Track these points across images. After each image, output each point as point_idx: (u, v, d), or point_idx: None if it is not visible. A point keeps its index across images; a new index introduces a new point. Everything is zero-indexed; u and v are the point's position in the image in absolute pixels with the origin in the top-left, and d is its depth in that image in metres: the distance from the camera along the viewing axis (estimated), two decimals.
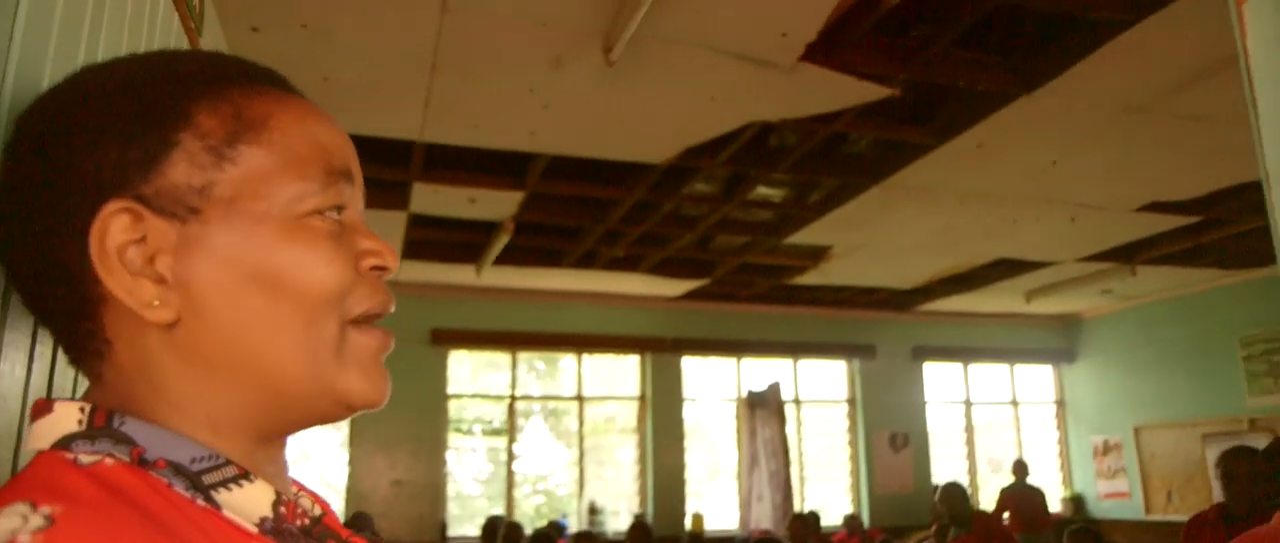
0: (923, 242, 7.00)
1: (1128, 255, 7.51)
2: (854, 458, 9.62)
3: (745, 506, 9.04)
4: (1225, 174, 5.55)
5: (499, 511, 8.25)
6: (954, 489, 5.54)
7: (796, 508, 8.69)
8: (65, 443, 0.51)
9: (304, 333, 0.55)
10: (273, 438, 0.58)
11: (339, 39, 3.69)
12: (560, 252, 7.32)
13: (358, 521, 7.48)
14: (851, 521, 8.82)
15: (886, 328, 9.81)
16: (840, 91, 4.32)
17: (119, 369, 0.55)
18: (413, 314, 8.40)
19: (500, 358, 8.98)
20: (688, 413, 9.18)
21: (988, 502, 9.17)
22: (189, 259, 0.54)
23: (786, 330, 9.47)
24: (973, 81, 4.22)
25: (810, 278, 8.17)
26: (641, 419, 9.10)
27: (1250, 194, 5.87)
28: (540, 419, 9.25)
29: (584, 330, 8.88)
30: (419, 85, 4.12)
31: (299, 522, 0.56)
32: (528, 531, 7.86)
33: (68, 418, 0.52)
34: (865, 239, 6.89)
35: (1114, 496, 9.74)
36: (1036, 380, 10.63)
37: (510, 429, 8.80)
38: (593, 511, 8.67)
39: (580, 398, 9.04)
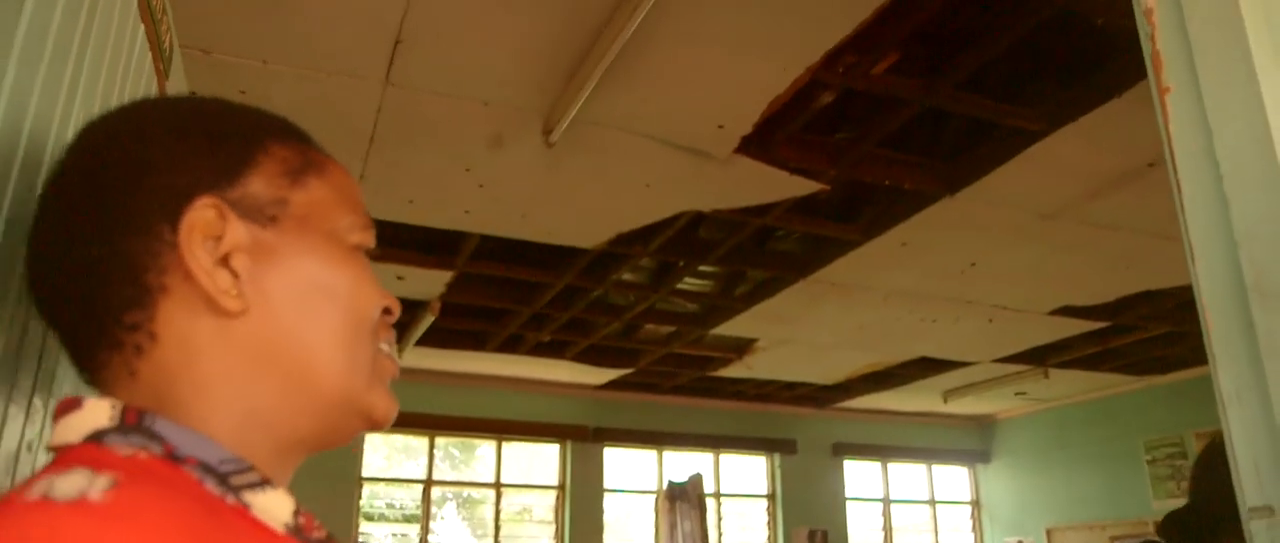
0: (845, 337, 7.12)
1: (1040, 358, 7.75)
2: None
3: None
4: (1132, 281, 5.81)
5: None
6: None
7: None
8: (97, 437, 0.52)
9: (351, 345, 0.61)
10: (292, 450, 0.62)
11: (277, 107, 3.60)
12: (484, 334, 7.23)
13: None
14: None
15: (807, 424, 9.87)
16: (772, 185, 4.42)
17: (158, 365, 0.57)
18: None
19: (416, 442, 8.72)
20: (607, 504, 9.01)
21: None
22: (263, 261, 0.59)
23: (709, 423, 9.44)
24: (898, 181, 4.37)
25: (734, 371, 8.21)
26: (559, 509, 8.89)
27: (1156, 302, 6.15)
28: (454, 507, 8.96)
29: (504, 416, 8.72)
30: (356, 156, 4.08)
31: (316, 534, 0.58)
32: None
33: (98, 414, 0.53)
34: (789, 333, 6.98)
35: None
36: (953, 480, 10.76)
37: (424, 516, 8.49)
38: None
39: (498, 485, 8.80)
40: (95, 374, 0.58)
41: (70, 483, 0.45)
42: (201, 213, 0.58)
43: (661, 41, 3.23)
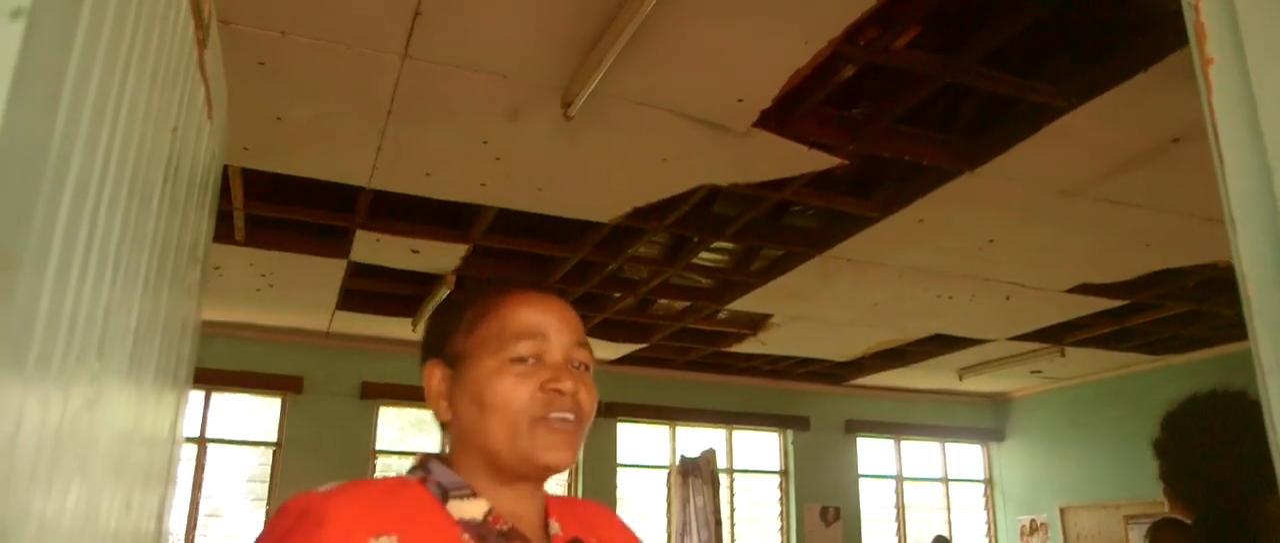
0: (860, 314, 7.10)
1: (1057, 336, 7.72)
2: (784, 530, 9.57)
3: None
4: (1152, 259, 5.77)
5: None
6: None
7: None
8: (412, 470, 1.03)
9: (505, 428, 0.99)
10: (512, 481, 1.02)
11: (295, 79, 3.64)
12: None
13: None
14: None
15: (821, 401, 9.88)
16: (790, 159, 4.39)
17: (451, 443, 1.06)
18: (344, 367, 8.20)
19: (428, 416, 8.75)
20: (620, 479, 9.06)
21: None
22: (453, 387, 1.03)
23: (722, 399, 9.47)
24: (917, 156, 4.34)
25: (748, 347, 8.21)
26: (572, 484, 8.95)
27: (1175, 280, 6.11)
28: None
29: None
30: (373, 130, 4.08)
31: (499, 526, 0.98)
32: None
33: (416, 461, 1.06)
34: (804, 309, 6.97)
35: None
36: (967, 458, 10.77)
37: None
38: None
39: None
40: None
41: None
42: (431, 368, 1.07)
43: (682, 14, 3.20)
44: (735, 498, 9.53)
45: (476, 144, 4.24)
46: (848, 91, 3.98)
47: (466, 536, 0.95)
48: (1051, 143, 4.16)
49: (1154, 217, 4.98)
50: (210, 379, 7.87)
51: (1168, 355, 8.46)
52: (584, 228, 5.45)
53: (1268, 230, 0.79)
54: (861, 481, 10.01)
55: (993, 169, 4.45)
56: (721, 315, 7.46)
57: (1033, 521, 10.02)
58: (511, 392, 0.99)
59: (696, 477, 8.97)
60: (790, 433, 9.76)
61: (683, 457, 9.10)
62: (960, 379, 9.37)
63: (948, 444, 10.62)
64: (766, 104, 3.86)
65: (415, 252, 5.79)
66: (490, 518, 0.98)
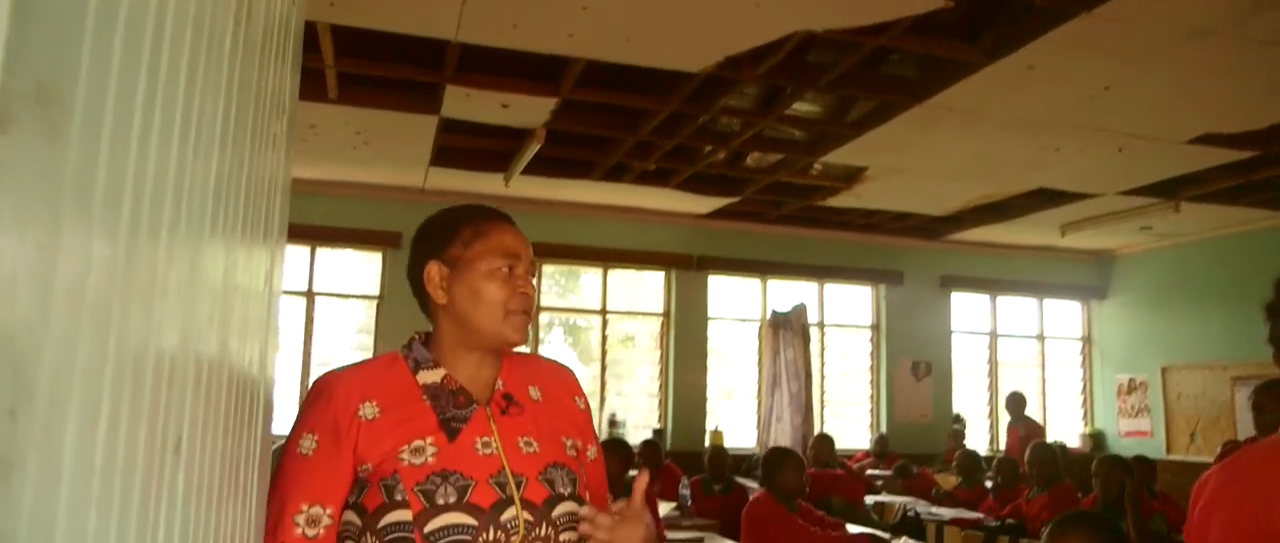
0: (960, 167, 6.84)
1: (1172, 191, 7.32)
2: (875, 384, 9.62)
3: (764, 426, 9.08)
4: None
5: None
6: (1044, 450, 5.46)
7: (815, 431, 8.73)
8: (404, 347, 1.45)
9: (490, 313, 1.38)
10: (478, 350, 1.42)
11: None
12: (589, 163, 7.23)
13: None
14: (881, 441, 8.87)
15: (915, 255, 9.70)
16: (890, 0, 4.14)
17: (434, 321, 1.44)
18: None
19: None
20: (711, 332, 9.18)
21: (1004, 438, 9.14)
22: (452, 282, 1.40)
23: (814, 253, 9.38)
24: None
25: (841, 201, 8.05)
26: (664, 336, 9.12)
27: None
28: (562, 333, 9.28)
29: (610, 244, 8.84)
30: None
31: (450, 387, 1.39)
32: None
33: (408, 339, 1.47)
34: (901, 162, 6.74)
35: (1135, 434, 9.70)
36: (1064, 316, 10.51)
37: (533, 342, 8.84)
38: (612, 423, 8.75)
39: (604, 312, 9.04)
40: (427, 319, 1.47)
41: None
42: (432, 266, 1.41)
43: None
44: (826, 352, 9.58)
45: None
46: None
47: (425, 397, 1.38)
48: None
49: None
50: (314, 235, 8.16)
51: None
52: (674, 79, 5.32)
53: None
54: (954, 337, 9.91)
55: (1113, 10, 4.11)
56: (815, 169, 7.30)
57: (1131, 380, 9.82)
58: (498, 291, 1.39)
59: (787, 330, 9.01)
60: (883, 287, 9.66)
61: (774, 311, 9.14)
62: (1062, 236, 9.03)
63: (1045, 301, 10.37)
64: None
65: (505, 106, 5.76)
66: (445, 382, 1.40)
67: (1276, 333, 1.70)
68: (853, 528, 4.54)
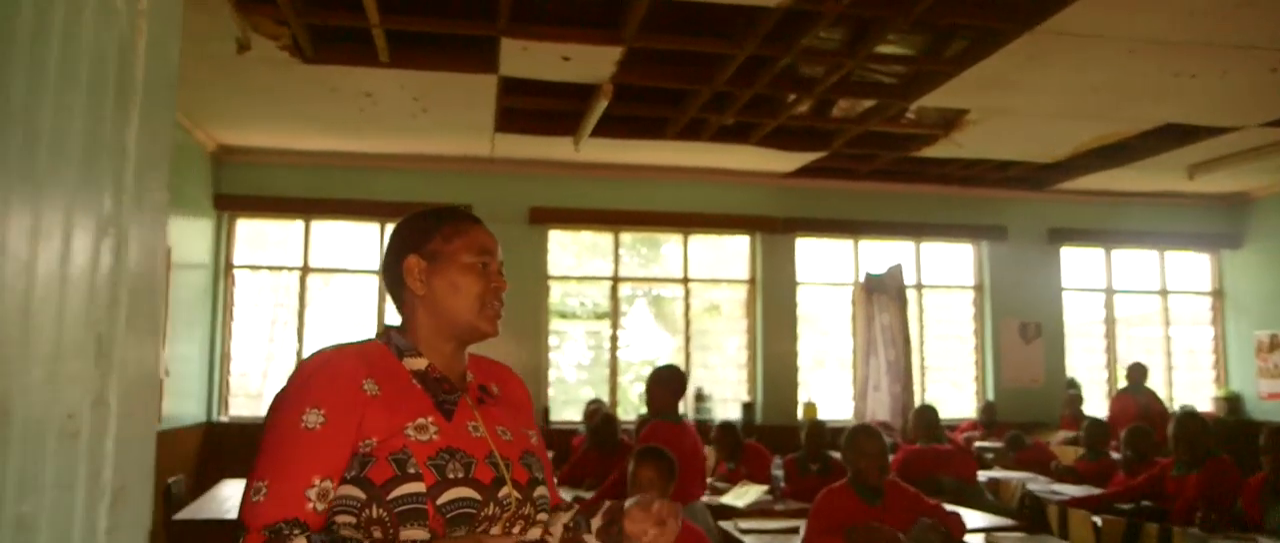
0: (1075, 103, 6.12)
1: None
2: (979, 348, 8.93)
3: (861, 396, 8.52)
4: None
5: (602, 398, 7.97)
6: (1193, 421, 4.64)
7: (916, 400, 8.13)
8: (376, 337, 1.52)
9: (468, 305, 1.49)
10: (453, 341, 1.51)
11: None
12: (663, 121, 6.75)
13: None
14: (988, 409, 8.23)
15: (1020, 207, 8.94)
16: None
17: (409, 313, 1.53)
18: (511, 192, 8.03)
19: (602, 239, 8.57)
20: (800, 297, 8.63)
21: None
22: (431, 275, 1.50)
23: (909, 210, 8.72)
24: None
25: (939, 150, 7.38)
26: (751, 304, 8.61)
27: None
28: (644, 303, 8.86)
29: (690, 209, 8.36)
30: None
31: (434, 375, 1.47)
32: (632, 417, 7.57)
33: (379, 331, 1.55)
34: (1007, 101, 6.06)
35: (1276, 396, 8.79)
36: (1190, 268, 9.60)
37: (613, 313, 8.44)
38: (699, 398, 8.31)
39: (686, 281, 8.59)
40: (399, 312, 1.55)
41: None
42: (412, 259, 1.51)
43: None
44: (925, 315, 8.93)
45: None
46: None
47: (415, 381, 1.45)
48: None
49: None
50: (382, 212, 7.91)
51: None
52: (750, 17, 4.79)
53: None
54: (1065, 295, 9.13)
55: None
56: (909, 115, 6.67)
57: (1273, 336, 8.88)
58: (475, 283, 1.49)
59: (882, 293, 8.41)
60: (985, 244, 8.93)
61: (867, 273, 8.54)
62: (1191, 178, 8.15)
63: (1168, 253, 9.47)
64: None
65: (566, 59, 5.33)
66: (429, 370, 1.47)
67: None
68: (965, 512, 4.00)
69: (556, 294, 8.40)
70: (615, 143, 7.17)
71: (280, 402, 1.36)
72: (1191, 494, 4.25)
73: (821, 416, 8.09)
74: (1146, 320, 9.55)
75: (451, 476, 1.34)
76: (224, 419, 7.71)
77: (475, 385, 1.52)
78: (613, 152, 7.51)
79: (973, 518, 4.26)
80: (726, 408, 8.43)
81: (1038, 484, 5.73)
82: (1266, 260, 9.05)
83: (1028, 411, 8.52)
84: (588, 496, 4.82)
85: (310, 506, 1.30)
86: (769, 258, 8.52)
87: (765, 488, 5.14)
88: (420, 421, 1.38)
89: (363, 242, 8.18)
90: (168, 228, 1.04)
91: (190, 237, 7.11)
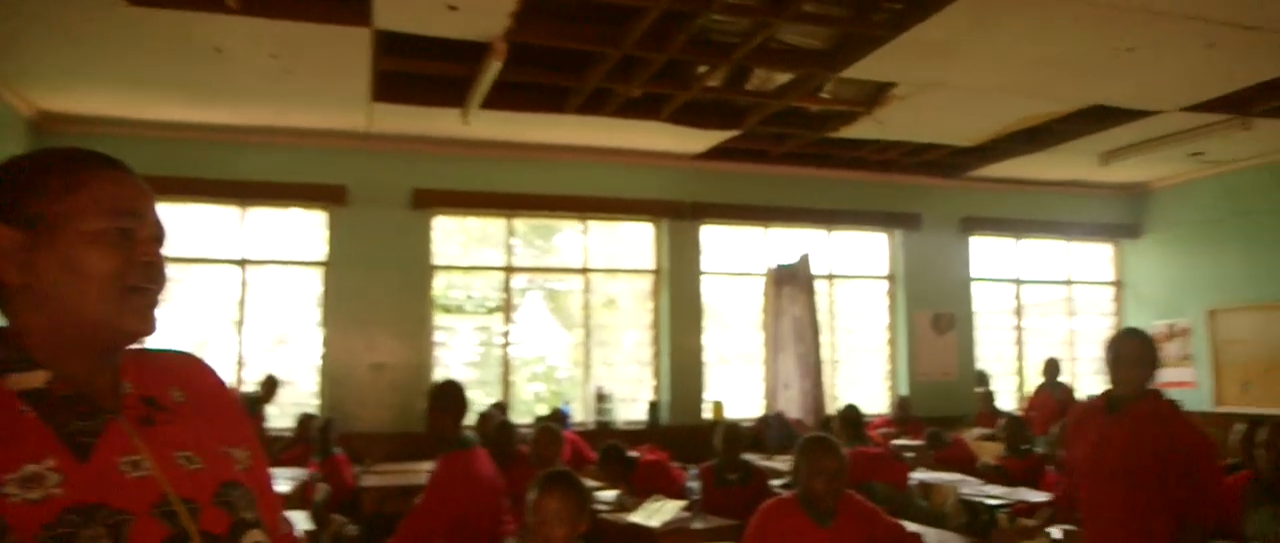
0: (1013, 77, 5.71)
1: (1246, 104, 6.26)
2: (893, 341, 8.57)
3: (771, 393, 8.03)
4: None
5: (494, 399, 7.23)
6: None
7: (827, 395, 7.68)
8: None
9: (97, 293, 0.98)
10: (85, 347, 0.99)
11: None
12: (564, 91, 6.06)
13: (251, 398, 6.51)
14: (902, 405, 7.86)
15: (934, 195, 8.62)
16: None
17: (10, 311, 1.00)
18: (391, 172, 7.19)
19: (493, 226, 7.81)
20: (707, 288, 8.08)
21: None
22: (34, 253, 0.98)
23: (821, 196, 8.28)
24: None
25: (859, 130, 6.92)
26: (655, 296, 8.01)
27: None
28: (539, 296, 8.15)
29: (590, 193, 7.68)
30: None
31: (62, 393, 0.97)
32: (527, 420, 6.85)
33: None
34: (941, 73, 5.61)
35: (1178, 385, 8.73)
36: (1094, 259, 9.51)
37: (505, 307, 7.70)
38: (600, 398, 7.66)
39: (585, 271, 7.91)
40: None
41: None
42: None
43: None
44: (836, 306, 8.51)
45: None
46: None
47: (26, 407, 0.95)
48: None
49: None
50: (242, 193, 6.97)
51: None
52: None
53: None
54: (975, 285, 8.88)
55: None
56: (827, 91, 6.17)
57: (1172, 326, 8.84)
58: (105, 261, 0.99)
59: (792, 285, 7.93)
60: (899, 233, 8.58)
61: (777, 263, 8.05)
62: (1103, 165, 7.97)
63: (1074, 243, 9.35)
64: None
65: (452, 8, 4.57)
66: (52, 387, 0.97)
67: None
68: (909, 526, 3.48)
69: (441, 286, 7.60)
70: (509, 117, 6.44)
71: None
72: None
73: (729, 414, 7.57)
74: (1051, 310, 9.42)
75: None
76: None
77: (136, 398, 1.03)
78: (506, 127, 6.77)
79: (930, 538, 3.75)
80: (629, 408, 7.81)
81: (970, 487, 5.31)
82: (1165, 250, 9.02)
83: (941, 405, 8.22)
84: None
85: None
86: (675, 246, 7.93)
87: (682, 504, 4.52)
88: (30, 468, 0.92)
89: (223, 228, 7.18)
90: None
91: None
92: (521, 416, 7.23)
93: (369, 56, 5.26)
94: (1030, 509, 4.36)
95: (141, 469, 0.98)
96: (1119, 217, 9.29)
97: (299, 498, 4.93)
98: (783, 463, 5.62)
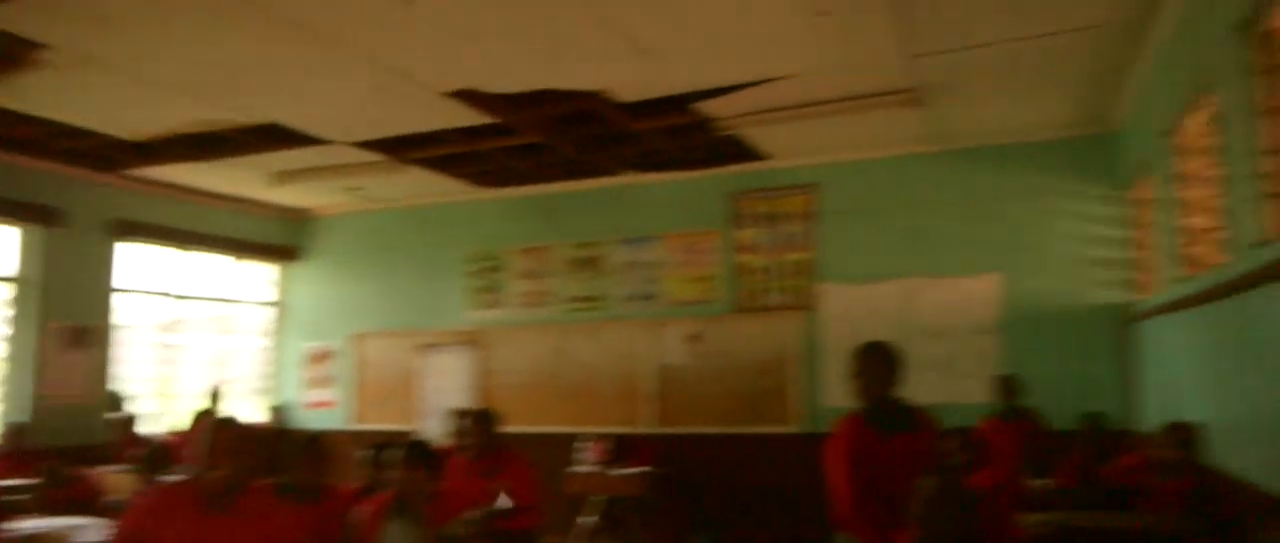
0: (184, 75, 5.23)
1: (403, 148, 6.88)
2: (16, 356, 7.11)
3: None
4: (553, 72, 5.22)
5: None
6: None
7: None
8: None
9: None
10: None
11: None
12: None
13: None
14: (16, 434, 6.51)
15: (81, 190, 7.49)
16: None
17: None
18: None
19: None
20: None
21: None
22: None
23: None
24: None
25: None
26: None
27: (557, 102, 5.71)
28: None
29: None
30: None
31: None
32: None
33: None
34: (104, 47, 4.82)
35: (320, 405, 9.19)
36: (258, 277, 9.44)
37: None
38: None
39: None
40: None
41: None
42: None
43: None
44: None
45: None
46: None
47: None
48: None
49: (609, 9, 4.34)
50: None
51: (490, 188, 8.34)
52: None
53: None
54: (123, 296, 7.96)
55: None
56: None
57: (321, 348, 9.28)
58: None
59: None
60: (36, 229, 7.20)
61: None
62: (274, 185, 7.96)
63: (236, 261, 9.14)
64: None
65: None
66: None
67: None
68: None
69: None
70: None
71: None
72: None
73: None
74: (210, 328, 9.03)
75: None
76: None
77: None
78: None
79: None
80: None
81: (90, 534, 4.57)
82: (320, 276, 9.44)
83: (78, 432, 7.12)
84: None
85: None
86: None
87: None
88: None
89: None
90: None
91: None
92: None
93: None
94: None
95: None
96: (283, 238, 9.41)
97: None
98: None
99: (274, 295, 9.53)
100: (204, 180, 7.94)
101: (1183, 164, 4.67)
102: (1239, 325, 3.64)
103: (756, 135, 6.64)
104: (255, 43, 4.70)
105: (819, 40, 4.75)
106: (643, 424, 7.73)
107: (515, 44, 4.76)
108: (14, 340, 7.11)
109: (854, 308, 7.17)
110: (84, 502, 5.32)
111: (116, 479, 5.95)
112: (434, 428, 7.84)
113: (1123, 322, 6.38)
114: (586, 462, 7.49)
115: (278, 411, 9.22)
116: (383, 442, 4.14)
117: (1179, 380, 4.86)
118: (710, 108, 5.90)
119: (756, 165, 7.47)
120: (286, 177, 7.73)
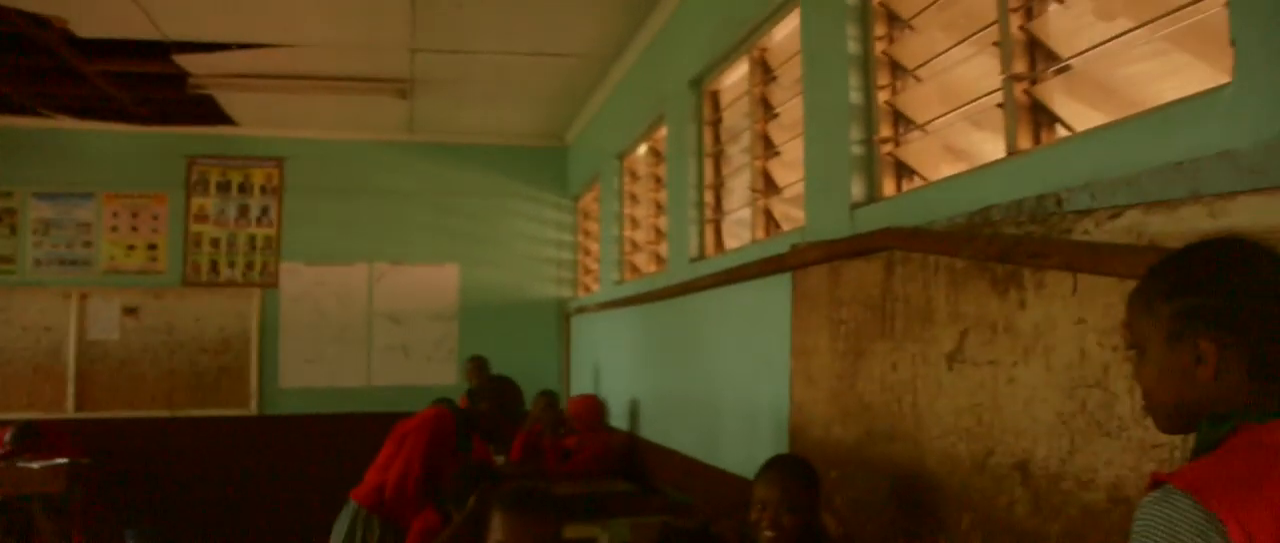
0: None
1: None
2: None
3: None
4: None
5: None
6: None
7: None
8: None
9: None
10: None
11: None
12: None
13: None
14: None
15: None
16: None
17: None
18: None
19: None
20: None
21: None
22: None
23: None
24: None
25: None
26: None
27: None
28: None
29: None
30: None
31: None
32: None
33: None
34: None
35: None
36: None
37: None
38: None
39: None
40: None
41: None
42: None
43: None
44: None
45: None
46: None
47: None
48: None
49: None
50: None
51: None
52: None
53: None
54: None
55: None
56: None
57: None
58: None
59: None
60: None
61: None
62: None
63: None
64: None
65: None
66: None
67: None
68: None
69: None
70: None
71: None
72: None
73: None
74: None
75: None
76: None
77: None
78: None
79: None
80: None
81: None
82: None
83: None
84: None
85: None
86: None
87: None
88: None
89: None
90: None
91: None
92: None
93: None
94: None
95: None
96: None
97: None
98: None
99: None
100: None
101: (630, 185, 5.56)
102: (670, 324, 4.49)
103: (229, 99, 6.20)
104: None
105: (335, 15, 4.67)
106: (64, 410, 6.68)
107: None
108: None
109: (317, 289, 7.08)
110: None
111: None
112: None
113: (565, 314, 7.30)
114: None
115: None
116: None
117: (617, 365, 5.74)
118: (190, 62, 5.38)
119: (221, 129, 6.94)
120: None
